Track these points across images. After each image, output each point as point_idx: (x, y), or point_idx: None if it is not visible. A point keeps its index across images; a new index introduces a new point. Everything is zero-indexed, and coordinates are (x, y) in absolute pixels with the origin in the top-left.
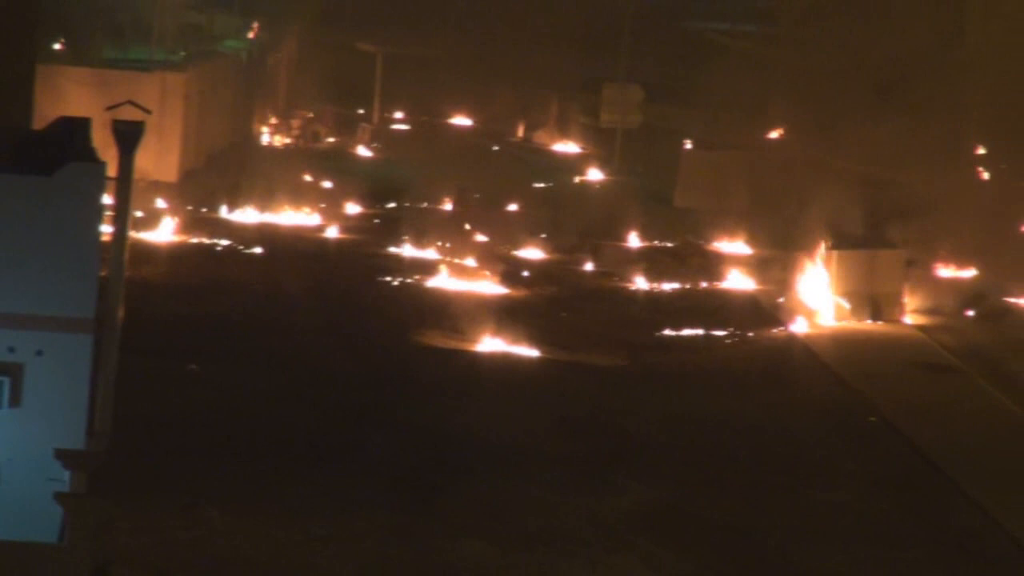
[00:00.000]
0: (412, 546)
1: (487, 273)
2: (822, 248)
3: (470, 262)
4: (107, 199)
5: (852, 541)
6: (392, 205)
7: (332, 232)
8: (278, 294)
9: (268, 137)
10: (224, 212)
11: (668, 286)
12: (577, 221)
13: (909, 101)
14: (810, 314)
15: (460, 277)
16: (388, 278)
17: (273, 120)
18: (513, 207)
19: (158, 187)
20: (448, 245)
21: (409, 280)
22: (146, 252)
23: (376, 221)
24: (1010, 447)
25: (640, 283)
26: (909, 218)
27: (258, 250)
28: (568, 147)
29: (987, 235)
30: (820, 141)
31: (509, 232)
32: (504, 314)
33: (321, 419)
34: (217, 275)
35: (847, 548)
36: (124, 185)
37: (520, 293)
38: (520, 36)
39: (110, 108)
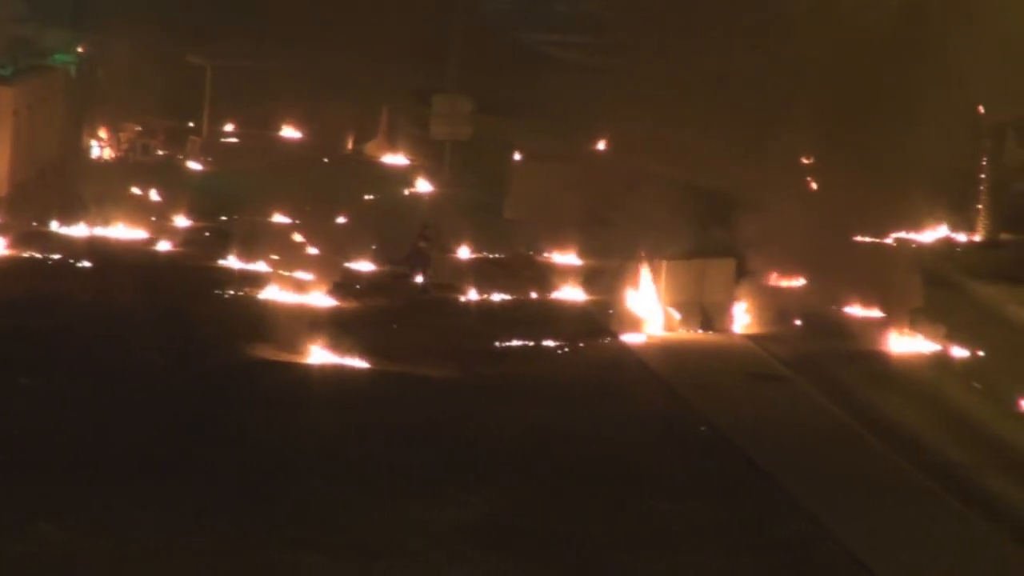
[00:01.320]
0: (247, 559)
1: (319, 285)
2: (652, 258)
3: (302, 274)
4: None
5: (684, 550)
6: (223, 218)
7: (163, 245)
8: (109, 307)
9: (98, 151)
10: (55, 226)
11: (499, 297)
12: (408, 233)
13: (740, 110)
14: (641, 324)
15: (291, 289)
16: (219, 291)
17: (103, 133)
18: (343, 219)
19: None
20: (279, 257)
21: (240, 293)
22: None
23: (207, 234)
24: (840, 456)
25: (472, 295)
26: (739, 227)
27: (88, 264)
28: (398, 159)
29: (816, 244)
30: (650, 151)
31: (340, 244)
32: (336, 326)
33: (154, 432)
34: (47, 289)
35: (679, 557)
36: None
37: (351, 305)
38: (350, 48)
39: None
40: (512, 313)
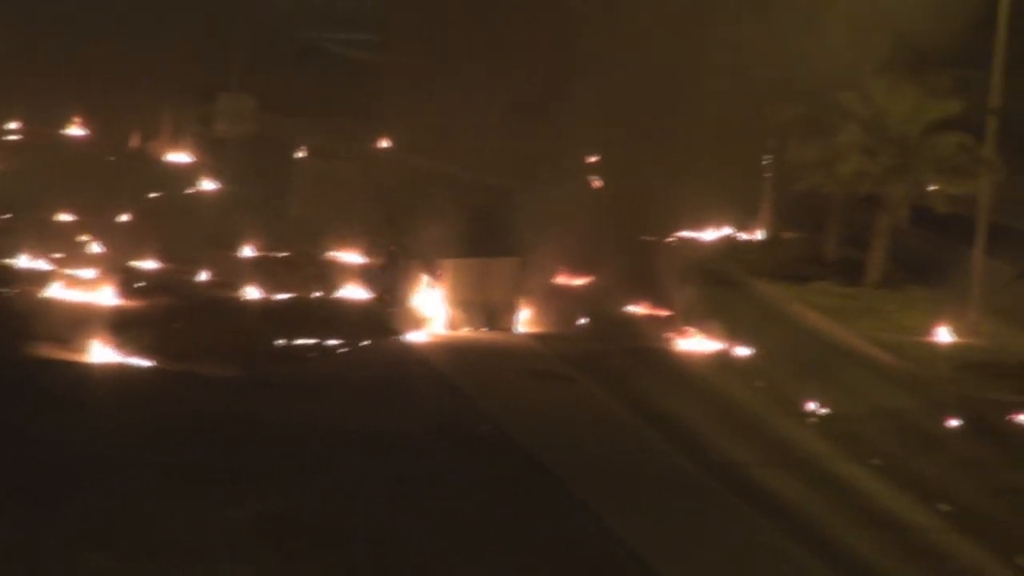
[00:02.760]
0: (29, 561)
1: (103, 283)
2: (436, 257)
3: (85, 272)
4: None
5: (469, 548)
6: (5, 216)
7: None
8: None
9: None
10: None
11: (282, 296)
12: (193, 232)
13: (527, 108)
14: (425, 323)
15: (75, 288)
16: (1, 289)
17: None
18: (127, 217)
19: None
20: (63, 256)
21: (20, 291)
22: None
23: None
24: (623, 455)
25: (255, 293)
26: (523, 226)
27: None
28: (182, 157)
29: (601, 243)
30: (435, 149)
31: (126, 242)
32: (119, 325)
33: None
34: None
35: (464, 555)
36: None
37: (135, 304)
38: (136, 45)
39: None
40: (296, 312)
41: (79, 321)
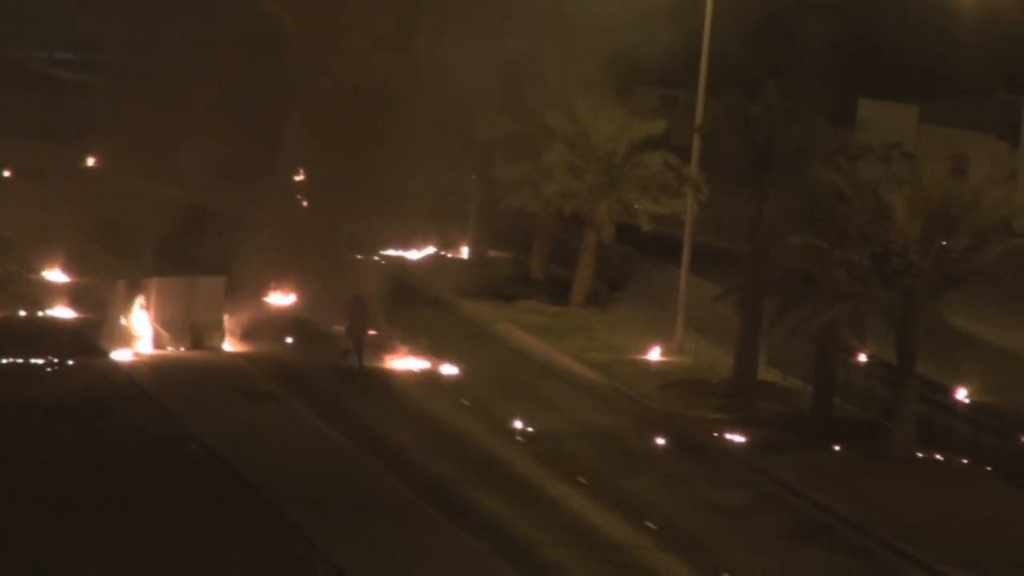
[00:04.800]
0: None
1: None
2: (141, 276)
3: None
4: None
5: (175, 571)
6: None
7: None
8: None
9: None
10: None
11: None
12: None
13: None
14: (131, 342)
15: None
16: None
17: None
18: None
19: None
20: None
21: None
22: None
23: None
24: (331, 474)
25: None
26: (230, 245)
27: None
28: None
29: (307, 261)
30: (142, 168)
31: None
32: None
33: None
34: None
35: None
36: None
37: None
38: None
39: None
40: (1, 330)
41: None
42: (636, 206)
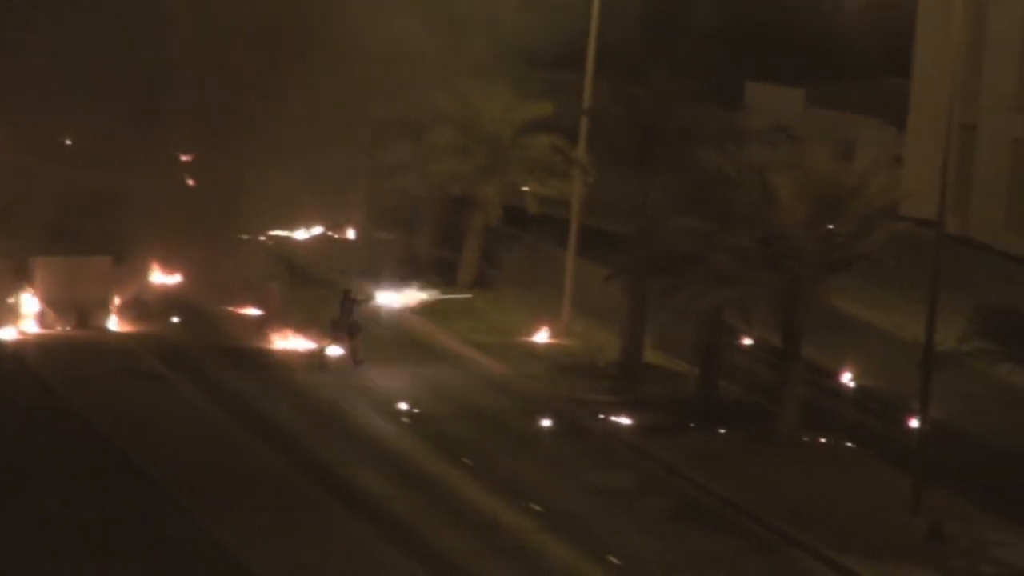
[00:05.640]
0: None
1: None
2: (26, 255)
3: None
4: None
5: (59, 550)
6: None
7: None
8: None
9: None
10: None
11: None
12: None
13: (122, 106)
14: (16, 321)
15: None
16: None
17: None
18: None
19: None
20: None
21: None
22: None
23: None
24: (216, 453)
25: None
26: (116, 224)
27: None
28: None
29: (194, 241)
30: (32, 147)
31: None
32: None
33: None
34: None
35: (55, 557)
36: None
37: None
38: None
39: None
40: None
41: None
42: (523, 188)
